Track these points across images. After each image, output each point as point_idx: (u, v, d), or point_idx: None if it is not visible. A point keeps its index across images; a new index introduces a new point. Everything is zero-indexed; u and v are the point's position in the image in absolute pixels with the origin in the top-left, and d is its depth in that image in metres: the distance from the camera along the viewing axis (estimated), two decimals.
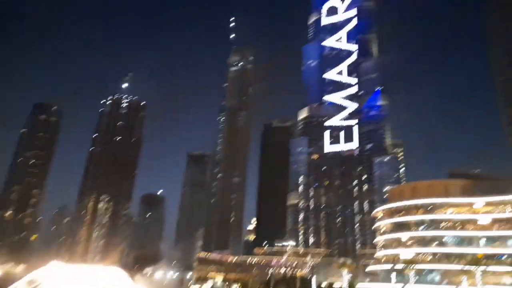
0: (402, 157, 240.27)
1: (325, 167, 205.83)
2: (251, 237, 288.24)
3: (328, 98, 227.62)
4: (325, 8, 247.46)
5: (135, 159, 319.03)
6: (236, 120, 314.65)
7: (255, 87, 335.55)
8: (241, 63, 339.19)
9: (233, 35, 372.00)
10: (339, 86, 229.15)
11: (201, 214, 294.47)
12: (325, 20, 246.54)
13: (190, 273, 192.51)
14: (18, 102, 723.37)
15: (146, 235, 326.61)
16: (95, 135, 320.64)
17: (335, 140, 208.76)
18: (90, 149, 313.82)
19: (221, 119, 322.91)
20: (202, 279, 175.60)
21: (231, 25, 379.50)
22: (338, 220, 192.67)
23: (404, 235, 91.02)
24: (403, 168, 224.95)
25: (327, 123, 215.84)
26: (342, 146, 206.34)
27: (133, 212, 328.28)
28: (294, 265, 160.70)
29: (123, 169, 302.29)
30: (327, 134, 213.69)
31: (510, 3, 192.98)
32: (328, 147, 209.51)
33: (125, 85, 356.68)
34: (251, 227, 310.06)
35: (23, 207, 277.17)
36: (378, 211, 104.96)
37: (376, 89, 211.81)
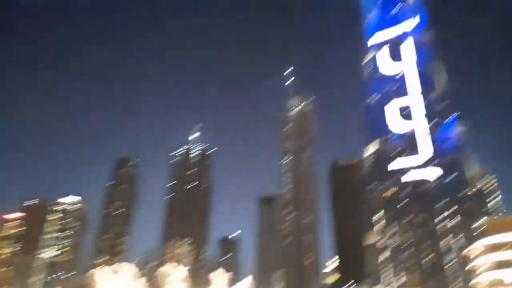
0: (490, 188, 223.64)
1: (402, 203, 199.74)
2: (330, 279, 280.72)
3: (395, 130, 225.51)
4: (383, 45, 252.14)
5: (207, 204, 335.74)
6: (301, 161, 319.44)
7: (317, 127, 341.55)
8: (301, 105, 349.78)
9: (291, 79, 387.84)
10: (406, 117, 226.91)
11: (276, 256, 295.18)
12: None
13: None
14: (101, 155, 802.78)
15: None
16: (170, 183, 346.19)
17: (410, 172, 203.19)
18: (167, 197, 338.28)
19: (285, 162, 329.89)
20: None
21: (288, 70, 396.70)
22: (425, 259, 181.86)
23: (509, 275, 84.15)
24: (494, 200, 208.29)
25: (399, 160, 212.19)
26: (420, 177, 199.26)
27: (211, 254, 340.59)
28: None
29: (198, 215, 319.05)
30: (400, 164, 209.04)
31: None
32: (404, 178, 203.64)
33: (194, 136, 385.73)
34: (328, 269, 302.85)
35: (115, 254, 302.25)
36: (474, 248, 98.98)
37: (451, 117, 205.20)
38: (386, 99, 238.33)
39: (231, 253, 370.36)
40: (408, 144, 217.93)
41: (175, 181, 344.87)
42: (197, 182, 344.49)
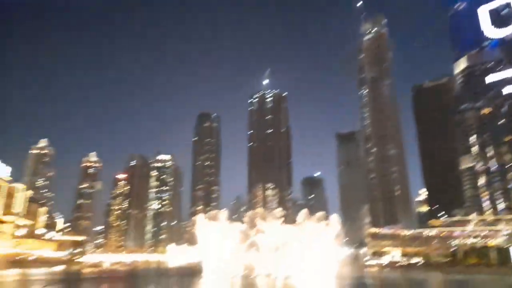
0: None
1: (502, 121, 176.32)
2: (423, 208, 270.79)
3: (492, 35, 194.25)
4: None
5: (288, 147, 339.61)
6: (380, 90, 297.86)
7: (394, 52, 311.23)
8: (375, 29, 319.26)
9: (360, 2, 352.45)
10: (501, 22, 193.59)
11: (362, 191, 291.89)
12: None
13: (364, 249, 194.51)
14: (185, 111, 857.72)
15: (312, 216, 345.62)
16: (250, 132, 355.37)
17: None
18: (248, 145, 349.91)
19: (364, 93, 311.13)
20: (378, 254, 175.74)
21: None
22: None
23: None
24: None
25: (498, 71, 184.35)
26: None
27: (296, 196, 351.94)
28: (483, 234, 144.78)
29: (280, 158, 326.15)
30: (500, 75, 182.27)
31: None
32: (506, 90, 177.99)
33: (265, 81, 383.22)
34: (420, 198, 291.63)
35: (208, 202, 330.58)
36: None
37: None
38: (477, 2, 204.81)
39: (315, 193, 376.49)
40: (508, 51, 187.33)
41: (254, 128, 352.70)
42: (275, 127, 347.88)
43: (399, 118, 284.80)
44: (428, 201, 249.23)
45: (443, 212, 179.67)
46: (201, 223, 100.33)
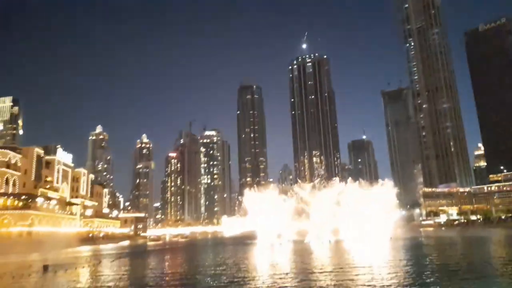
0: None
1: None
2: (481, 163, 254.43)
3: None
4: None
5: (332, 111, 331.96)
6: (429, 40, 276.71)
7: None
8: None
9: None
10: None
11: (413, 150, 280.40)
12: None
13: (417, 209, 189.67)
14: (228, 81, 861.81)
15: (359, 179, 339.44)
16: (292, 99, 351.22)
17: None
18: (292, 113, 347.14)
19: (410, 45, 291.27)
20: (433, 214, 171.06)
21: None
22: None
23: None
24: None
25: None
26: None
27: (344, 161, 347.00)
28: None
29: (324, 124, 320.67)
30: None
31: None
32: None
33: (304, 46, 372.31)
34: (478, 152, 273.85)
35: (257, 172, 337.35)
36: None
37: None
38: None
39: (363, 157, 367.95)
40: None
41: (296, 95, 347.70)
42: (317, 92, 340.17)
43: (451, 69, 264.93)
44: (487, 155, 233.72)
45: (503, 167, 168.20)
46: (250, 194, 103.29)
